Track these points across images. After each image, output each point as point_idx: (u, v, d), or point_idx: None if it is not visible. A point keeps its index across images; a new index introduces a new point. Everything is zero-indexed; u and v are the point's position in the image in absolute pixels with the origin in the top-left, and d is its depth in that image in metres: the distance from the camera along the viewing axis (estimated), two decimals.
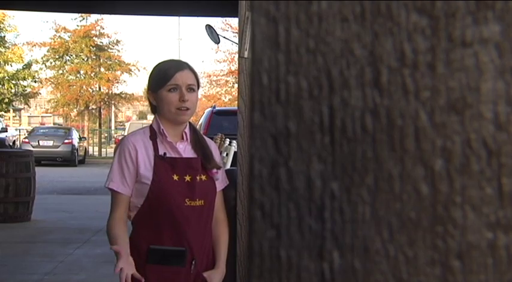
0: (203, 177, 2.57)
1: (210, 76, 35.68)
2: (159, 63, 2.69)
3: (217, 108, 13.04)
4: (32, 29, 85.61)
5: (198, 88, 2.65)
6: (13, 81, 30.37)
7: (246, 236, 3.10)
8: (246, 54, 3.34)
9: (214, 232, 2.68)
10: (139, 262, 2.51)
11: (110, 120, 42.78)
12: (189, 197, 2.50)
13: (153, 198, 2.49)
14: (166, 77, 2.56)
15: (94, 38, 35.61)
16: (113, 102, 38.47)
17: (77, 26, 35.46)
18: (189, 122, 2.68)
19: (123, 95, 37.96)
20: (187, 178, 2.53)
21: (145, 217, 2.53)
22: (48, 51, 35.35)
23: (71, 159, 23.23)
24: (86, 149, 27.93)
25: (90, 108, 37.57)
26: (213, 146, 2.74)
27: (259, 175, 0.57)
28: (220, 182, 2.70)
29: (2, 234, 8.31)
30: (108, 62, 36.45)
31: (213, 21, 39.25)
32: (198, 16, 15.69)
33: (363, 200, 0.56)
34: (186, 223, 2.50)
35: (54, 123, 45.33)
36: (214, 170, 2.62)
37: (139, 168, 2.51)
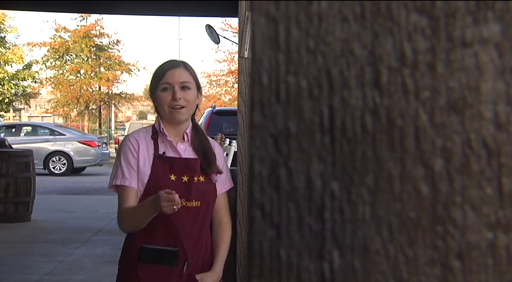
0: (201, 178, 2.55)
1: (210, 76, 35.71)
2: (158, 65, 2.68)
3: (217, 108, 13.04)
4: (32, 29, 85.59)
5: (198, 86, 2.62)
6: (13, 82, 30.39)
7: (246, 236, 3.10)
8: (246, 54, 3.34)
9: (216, 234, 2.65)
10: (132, 260, 2.51)
11: (110, 120, 42.77)
12: (185, 198, 2.47)
13: (149, 197, 2.47)
14: (159, 77, 2.56)
15: (94, 38, 35.66)
16: (113, 102, 38.51)
17: (77, 26, 35.53)
18: (195, 124, 2.66)
19: (123, 95, 38.00)
20: (185, 178, 2.51)
21: None
22: (48, 51, 35.41)
23: None
24: None
25: (90, 108, 37.59)
26: (217, 149, 2.70)
27: (259, 175, 0.57)
28: (225, 183, 2.67)
29: (2, 234, 8.31)
30: (108, 62, 36.49)
31: (213, 21, 39.31)
32: (198, 16, 15.69)
33: (363, 200, 0.56)
34: (180, 223, 2.48)
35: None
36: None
37: (139, 164, 2.50)
